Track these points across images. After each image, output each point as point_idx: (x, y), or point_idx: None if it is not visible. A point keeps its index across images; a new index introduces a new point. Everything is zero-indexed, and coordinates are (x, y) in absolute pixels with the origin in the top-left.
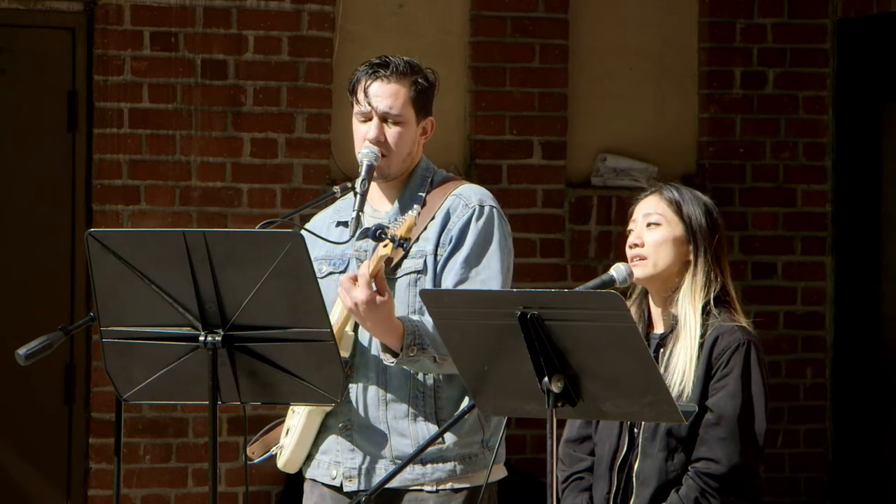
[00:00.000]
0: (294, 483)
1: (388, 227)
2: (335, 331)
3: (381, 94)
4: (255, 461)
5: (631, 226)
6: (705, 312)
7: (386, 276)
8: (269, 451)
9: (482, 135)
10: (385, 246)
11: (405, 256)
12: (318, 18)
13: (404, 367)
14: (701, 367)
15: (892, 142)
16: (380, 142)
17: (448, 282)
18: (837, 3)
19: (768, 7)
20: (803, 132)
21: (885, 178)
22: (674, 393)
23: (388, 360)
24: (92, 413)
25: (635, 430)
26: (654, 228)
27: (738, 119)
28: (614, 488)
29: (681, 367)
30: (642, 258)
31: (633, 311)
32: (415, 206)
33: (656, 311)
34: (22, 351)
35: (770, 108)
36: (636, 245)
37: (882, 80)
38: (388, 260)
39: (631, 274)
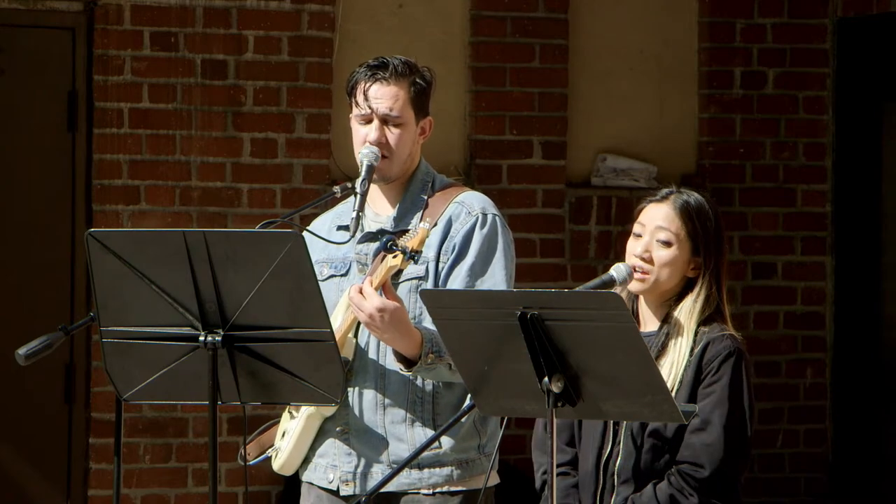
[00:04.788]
0: (294, 483)
1: (397, 238)
2: (339, 337)
3: (381, 96)
4: (251, 462)
5: (638, 229)
6: (700, 324)
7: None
8: (264, 452)
9: (482, 135)
10: (395, 257)
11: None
12: (318, 18)
13: (419, 376)
14: (690, 371)
15: (892, 142)
16: (381, 143)
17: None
18: (837, 3)
19: (768, 7)
20: (803, 132)
21: (885, 178)
22: None
23: (403, 370)
24: (92, 413)
25: (618, 428)
26: (664, 247)
27: (738, 119)
28: (601, 487)
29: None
30: (645, 273)
31: None
32: (427, 218)
33: (646, 311)
34: (22, 351)
35: (770, 108)
36: (644, 259)
37: (882, 80)
38: (397, 271)
39: (631, 274)
